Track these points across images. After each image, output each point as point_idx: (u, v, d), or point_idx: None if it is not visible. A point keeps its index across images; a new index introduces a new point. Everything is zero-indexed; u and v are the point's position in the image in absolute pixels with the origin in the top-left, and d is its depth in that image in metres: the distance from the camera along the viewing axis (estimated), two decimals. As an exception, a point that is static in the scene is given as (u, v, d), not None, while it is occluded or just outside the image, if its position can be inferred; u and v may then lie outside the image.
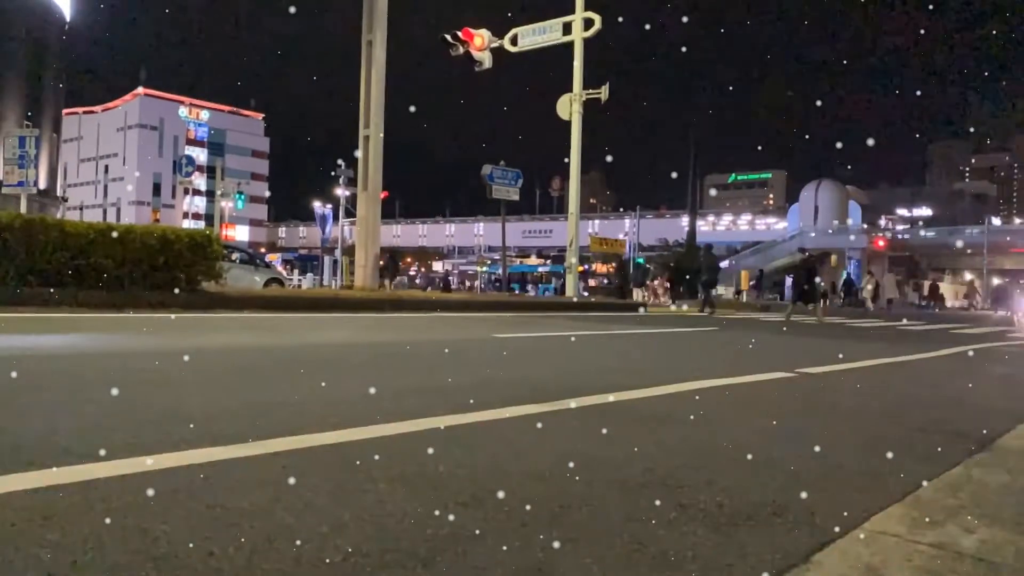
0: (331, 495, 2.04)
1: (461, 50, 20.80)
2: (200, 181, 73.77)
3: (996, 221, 78.27)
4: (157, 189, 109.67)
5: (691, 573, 1.63)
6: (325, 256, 44.55)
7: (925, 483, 2.42)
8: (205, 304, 10.73)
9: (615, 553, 1.72)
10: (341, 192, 39.89)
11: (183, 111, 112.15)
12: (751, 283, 49.22)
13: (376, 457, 2.48)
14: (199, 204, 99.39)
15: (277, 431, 2.74)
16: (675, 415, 3.63)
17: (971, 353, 9.11)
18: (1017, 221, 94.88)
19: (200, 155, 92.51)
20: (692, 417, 3.61)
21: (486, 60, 21.25)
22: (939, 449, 3.05)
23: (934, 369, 7.11)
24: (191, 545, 1.63)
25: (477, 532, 1.81)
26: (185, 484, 2.07)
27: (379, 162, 17.03)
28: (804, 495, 2.25)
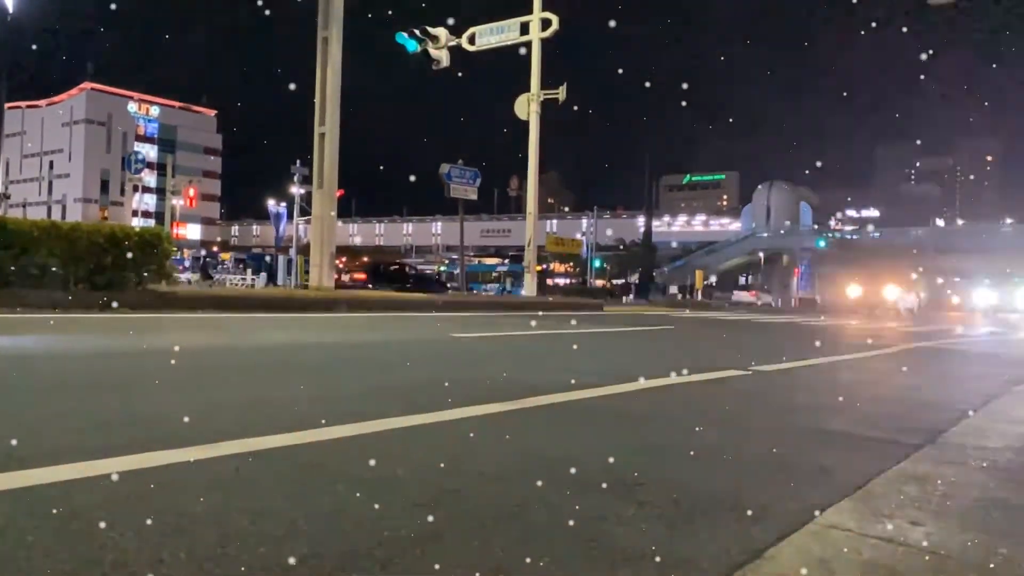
0: (286, 498, 2.01)
1: (418, 48, 20.70)
2: (150, 178, 72.15)
3: (940, 223, 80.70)
4: (105, 186, 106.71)
5: (648, 569, 1.64)
6: (280, 255, 43.92)
7: (874, 478, 2.48)
8: (155, 304, 10.49)
9: (574, 551, 1.72)
10: (296, 190, 39.32)
11: (132, 106, 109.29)
12: (705, 282, 49.97)
13: (333, 459, 2.45)
14: (149, 202, 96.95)
15: (230, 433, 2.69)
16: (632, 413, 3.67)
17: (912, 351, 9.38)
18: (959, 223, 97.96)
19: (150, 152, 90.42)
20: (649, 414, 3.65)
21: (443, 59, 21.18)
22: (887, 444, 3.12)
23: (879, 366, 7.29)
24: (140, 552, 1.59)
25: (436, 533, 1.80)
26: (133, 489, 2.02)
27: (335, 160, 16.86)
28: (758, 490, 2.29)
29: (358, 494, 2.07)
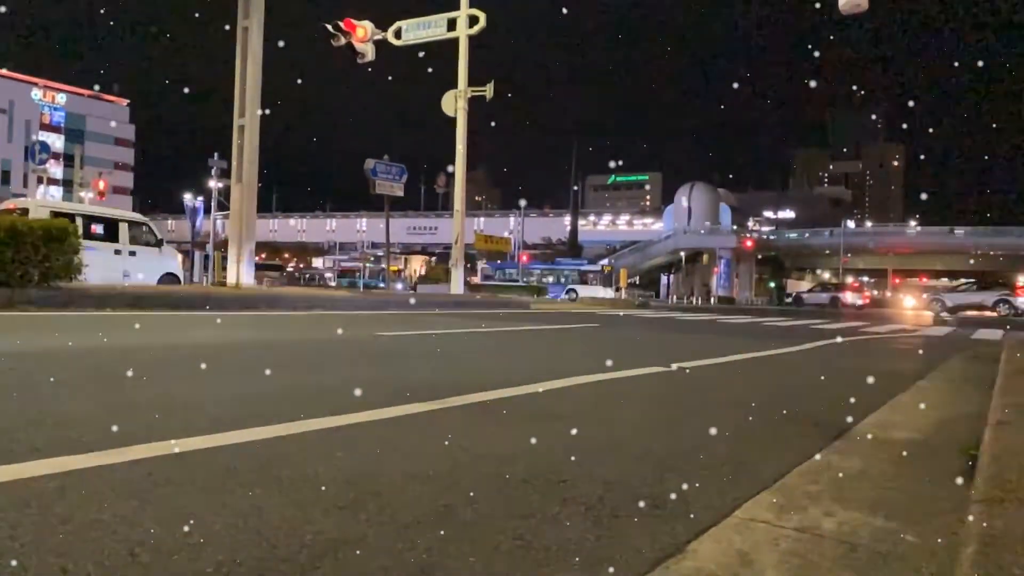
0: (202, 503, 1.93)
1: (343, 41, 20.36)
2: (56, 170, 68.63)
3: (851, 224, 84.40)
4: (6, 177, 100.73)
5: (574, 567, 1.65)
6: (196, 251, 42.52)
7: (790, 471, 2.56)
8: (63, 302, 9.99)
9: (499, 551, 1.72)
10: (214, 184, 38.18)
11: (36, 93, 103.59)
12: (629, 281, 50.89)
13: (251, 461, 2.37)
14: (55, 194, 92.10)
15: (141, 437, 2.57)
16: (558, 410, 3.69)
17: (827, 347, 9.78)
18: (868, 224, 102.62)
19: (56, 142, 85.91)
20: (574, 412, 3.68)
21: (369, 52, 20.91)
22: (802, 438, 3.23)
23: (795, 362, 7.56)
24: (43, 562, 1.50)
25: (359, 536, 1.76)
26: (36, 496, 1.91)
27: (255, 153, 16.42)
28: (681, 486, 2.33)
29: (278, 497, 2.01)
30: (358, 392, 3.83)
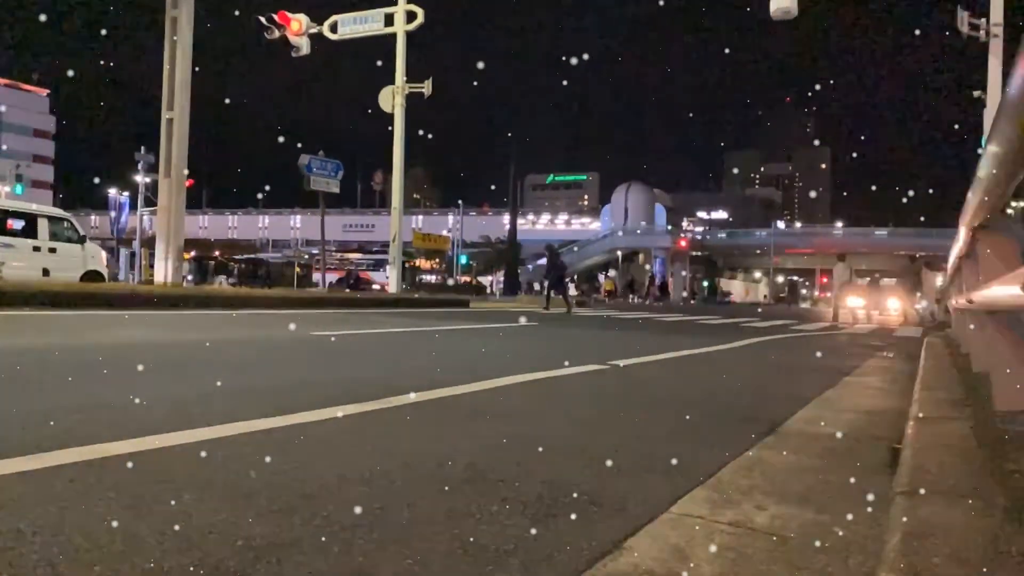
0: (128, 509, 1.86)
1: (277, 34, 19.94)
2: (-31, 162, 65.14)
3: (780, 225, 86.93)
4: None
5: (513, 565, 1.64)
6: (121, 248, 41.08)
7: (724, 466, 2.61)
8: (-24, 300, 9.51)
9: (437, 552, 1.70)
10: (141, 179, 36.94)
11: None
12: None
13: (179, 466, 2.30)
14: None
15: (62, 441, 2.46)
16: (496, 409, 3.68)
17: (758, 344, 10.04)
18: (798, 225, 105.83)
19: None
20: (512, 411, 3.68)
21: (303, 46, 20.53)
22: (735, 434, 3.30)
23: (728, 360, 7.74)
24: (-49, 578, 1.42)
25: (292, 539, 1.72)
26: (-55, 507, 1.80)
27: (184, 147, 15.93)
28: (618, 482, 2.36)
29: (208, 502, 1.95)
30: (291, 393, 3.75)
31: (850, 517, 2.04)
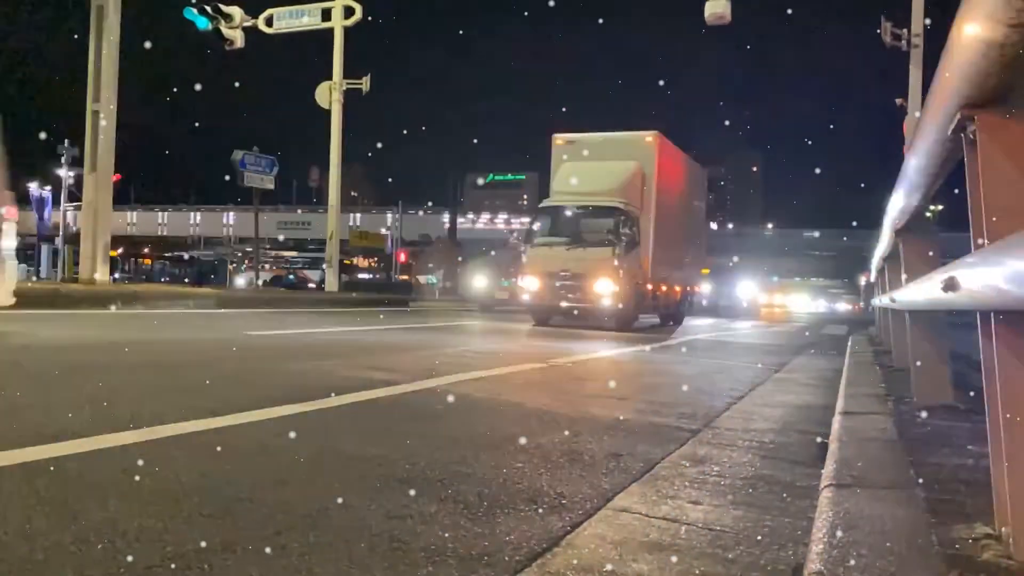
0: (50, 516, 1.78)
1: (209, 26, 19.40)
2: None
3: (713, 226, 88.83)
4: None
5: (451, 565, 1.64)
6: (43, 245, 39.40)
7: (660, 462, 2.66)
8: None
9: (376, 553, 1.68)
10: (65, 173, 35.48)
11: None
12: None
13: (106, 470, 2.21)
14: None
15: (-22, 447, 2.34)
16: (435, 409, 3.66)
17: (693, 342, 10.26)
18: (730, 226, 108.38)
19: None
20: (452, 410, 3.67)
21: (238, 39, 20.00)
22: (671, 430, 3.36)
23: (664, 357, 7.88)
24: None
25: (226, 544, 1.67)
26: None
27: (111, 141, 15.35)
28: (555, 480, 2.37)
29: (136, 508, 1.88)
30: (224, 394, 3.66)
31: (780, 510, 2.10)
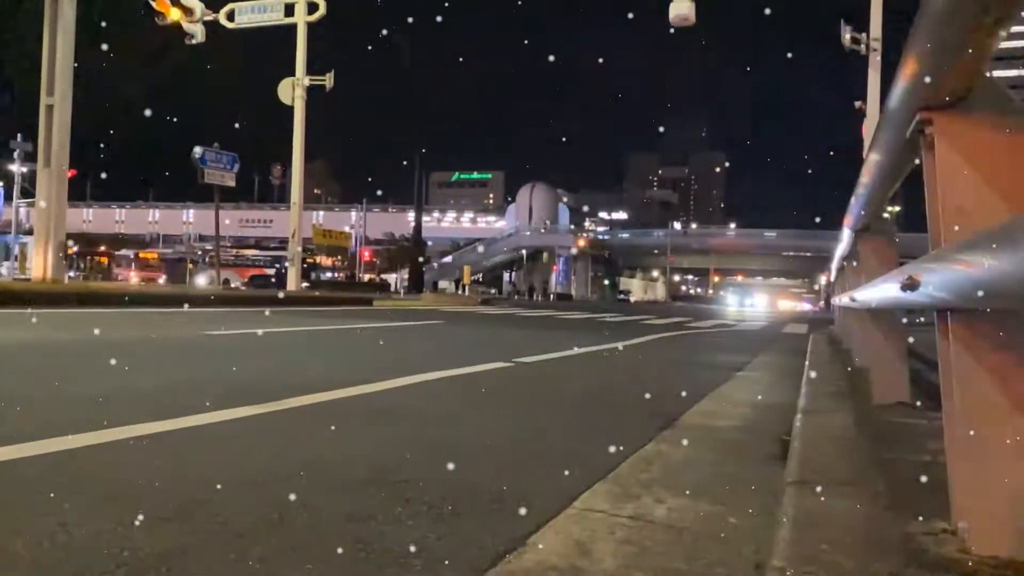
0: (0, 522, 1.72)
1: (170, 19, 19.04)
2: None
3: (677, 226, 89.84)
4: None
5: (416, 567, 1.62)
6: (-6, 241, 38.25)
7: (624, 460, 2.67)
8: None
9: (338, 556, 1.65)
10: (17, 168, 34.58)
11: None
12: (472, 278, 51.37)
13: (60, 474, 2.15)
14: None
15: (-77, 450, 2.26)
16: (399, 409, 3.64)
17: (657, 340, 10.34)
18: (693, 226, 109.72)
19: None
20: (416, 410, 3.64)
21: (198, 33, 19.69)
22: (635, 428, 3.38)
23: (628, 356, 7.93)
24: None
25: (183, 548, 1.63)
26: None
27: (66, 136, 14.98)
28: (520, 479, 2.36)
29: (91, 512, 1.83)
30: (182, 395, 3.59)
31: (743, 508, 2.12)
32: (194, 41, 19.71)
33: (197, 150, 19.63)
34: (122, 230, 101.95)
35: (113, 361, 4.70)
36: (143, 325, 8.79)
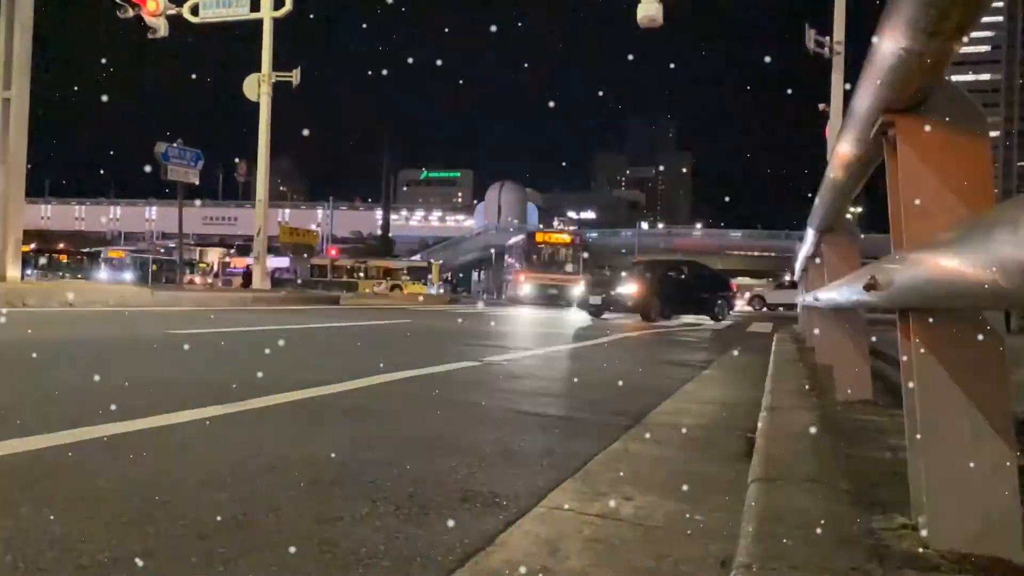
0: (-50, 528, 1.67)
1: (131, 12, 18.68)
2: None
3: (644, 225, 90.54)
4: None
5: (383, 567, 1.61)
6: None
7: (592, 459, 2.68)
8: None
9: (305, 557, 1.64)
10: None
11: None
12: (442, 276, 51.23)
13: (15, 477, 2.10)
14: None
15: None
16: (367, 409, 3.61)
17: (624, 339, 10.40)
18: (660, 226, 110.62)
19: None
20: (385, 410, 3.62)
21: (161, 27, 19.33)
22: (604, 426, 3.39)
23: (597, 354, 7.97)
24: None
25: (145, 551, 1.60)
26: None
27: (23, 131, 14.62)
28: (489, 478, 2.36)
29: (48, 516, 1.78)
30: (145, 395, 3.53)
31: (710, 505, 2.14)
32: (157, 35, 19.36)
33: (160, 146, 19.28)
34: (82, 227, 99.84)
35: (74, 360, 4.60)
36: (106, 323, 8.62)
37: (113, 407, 3.12)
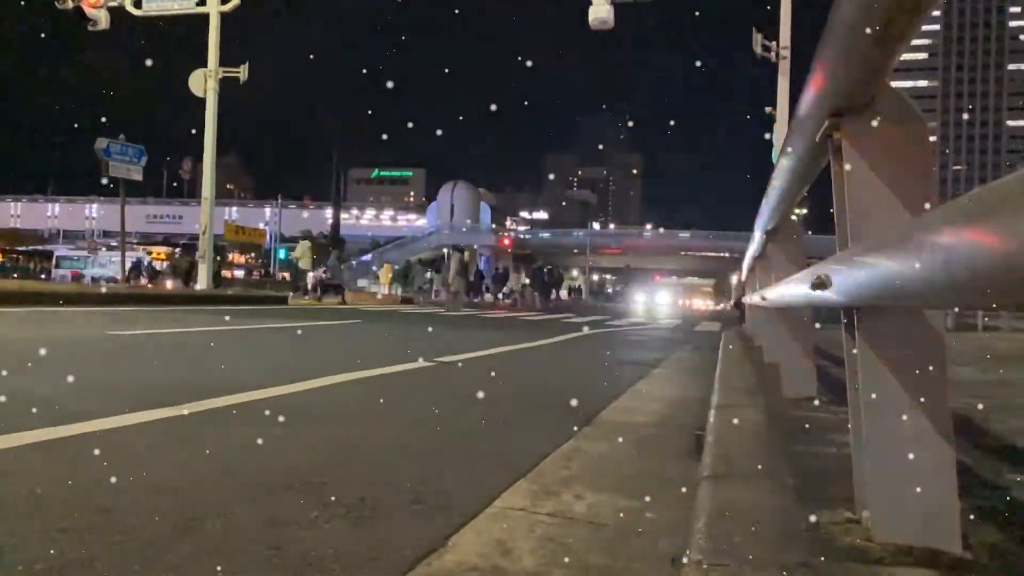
0: None
1: (70, 4, 18.09)
2: None
3: (596, 226, 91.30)
4: None
5: (333, 571, 1.58)
6: None
7: (544, 458, 2.68)
8: None
9: (253, 562, 1.60)
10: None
11: None
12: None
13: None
14: None
15: None
16: (317, 411, 3.56)
17: (577, 339, 10.47)
18: (612, 226, 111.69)
19: None
20: (335, 412, 3.57)
21: (102, 20, 18.75)
22: (555, 425, 3.40)
23: (549, 354, 8.00)
24: None
25: (85, 559, 1.55)
26: None
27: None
28: (441, 479, 2.35)
29: (-19, 525, 1.71)
30: (85, 398, 3.42)
31: (661, 502, 2.16)
32: (97, 28, 18.78)
33: (101, 142, 18.69)
34: (18, 225, 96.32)
35: (5, 362, 4.42)
36: (41, 324, 8.33)
37: (50, 411, 3.01)
